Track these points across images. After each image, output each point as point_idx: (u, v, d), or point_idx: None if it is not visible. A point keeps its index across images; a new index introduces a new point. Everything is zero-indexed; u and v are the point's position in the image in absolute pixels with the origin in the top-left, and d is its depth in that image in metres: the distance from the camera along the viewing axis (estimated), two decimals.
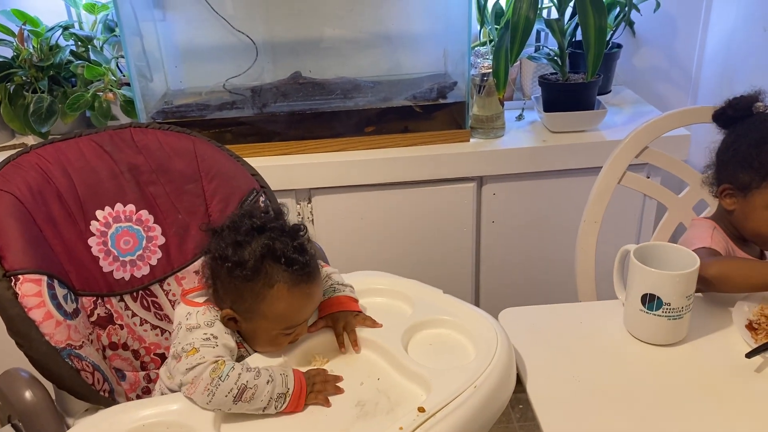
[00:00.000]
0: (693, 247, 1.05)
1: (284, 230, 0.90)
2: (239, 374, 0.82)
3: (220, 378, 0.82)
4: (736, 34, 1.83)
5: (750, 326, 0.96)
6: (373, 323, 0.95)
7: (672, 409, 0.85)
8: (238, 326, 0.92)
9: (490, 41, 1.79)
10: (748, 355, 0.89)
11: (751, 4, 1.76)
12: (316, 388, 0.85)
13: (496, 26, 1.77)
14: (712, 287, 1.01)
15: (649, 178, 1.51)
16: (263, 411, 0.83)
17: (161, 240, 1.10)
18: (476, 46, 1.82)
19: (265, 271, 0.87)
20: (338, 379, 0.88)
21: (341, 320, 0.94)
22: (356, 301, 0.98)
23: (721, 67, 1.90)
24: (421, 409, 0.80)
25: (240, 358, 0.92)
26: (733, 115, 1.13)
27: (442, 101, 1.71)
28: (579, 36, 1.64)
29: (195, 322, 0.90)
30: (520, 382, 0.90)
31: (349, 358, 0.93)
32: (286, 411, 0.83)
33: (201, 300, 0.94)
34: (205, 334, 0.88)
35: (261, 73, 1.76)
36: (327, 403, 0.84)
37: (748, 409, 0.84)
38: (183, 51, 1.81)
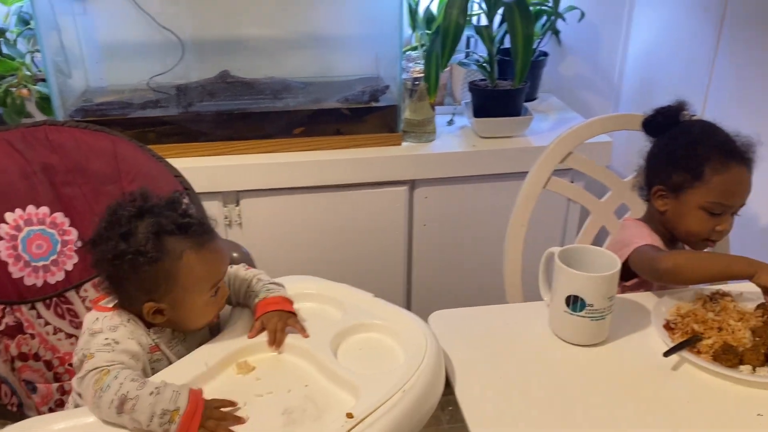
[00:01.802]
0: (634, 245, 1.09)
1: (161, 206, 0.89)
2: (121, 383, 0.78)
3: (101, 389, 0.78)
4: (655, 44, 1.91)
5: (667, 326, 0.99)
6: (301, 330, 0.93)
7: (595, 407, 0.87)
8: (164, 316, 0.89)
9: (422, 46, 1.80)
10: (666, 354, 0.93)
11: (669, 16, 1.84)
12: (209, 425, 0.77)
13: (427, 31, 1.78)
14: (667, 280, 1.05)
15: (573, 182, 1.55)
16: (148, 428, 0.76)
17: (77, 244, 1.05)
18: (408, 50, 1.83)
19: (166, 247, 0.85)
20: (239, 420, 0.79)
21: (275, 319, 0.92)
22: (290, 301, 0.96)
23: (641, 76, 1.99)
24: (349, 415, 0.78)
25: (157, 362, 0.89)
26: (662, 122, 1.19)
27: (374, 104, 1.71)
28: (507, 43, 1.67)
29: (99, 326, 0.86)
30: (449, 385, 0.91)
31: (276, 364, 0.90)
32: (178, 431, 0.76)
33: (111, 305, 0.90)
34: (106, 339, 0.84)
35: (187, 72, 1.71)
36: None
37: (665, 405, 0.87)
38: (105, 47, 1.74)
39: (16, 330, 0.99)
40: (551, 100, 2.01)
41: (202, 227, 0.89)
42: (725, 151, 1.11)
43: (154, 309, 0.88)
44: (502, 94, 1.74)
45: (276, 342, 0.91)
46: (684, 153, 1.13)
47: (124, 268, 0.86)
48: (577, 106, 2.01)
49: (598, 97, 2.09)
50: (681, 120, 1.18)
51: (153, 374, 0.89)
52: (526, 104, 1.80)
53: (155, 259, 0.85)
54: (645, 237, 1.12)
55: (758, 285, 0.99)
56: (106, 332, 0.85)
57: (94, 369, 0.80)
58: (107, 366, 0.80)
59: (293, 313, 0.94)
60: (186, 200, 0.93)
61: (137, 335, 0.88)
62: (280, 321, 0.92)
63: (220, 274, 0.91)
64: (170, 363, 0.90)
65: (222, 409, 0.80)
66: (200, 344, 0.94)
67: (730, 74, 1.61)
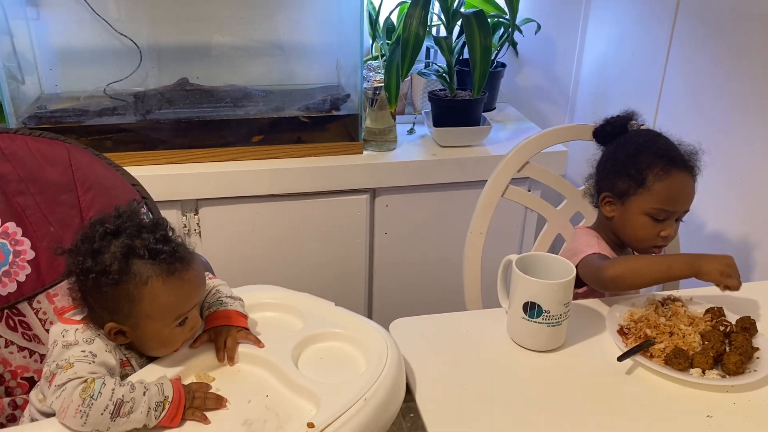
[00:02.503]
0: (582, 254, 1.12)
1: (142, 227, 0.86)
2: (113, 390, 0.77)
3: (92, 397, 0.76)
4: (608, 57, 1.97)
5: (621, 331, 1.02)
6: (256, 341, 0.92)
7: (553, 411, 0.89)
8: (127, 338, 0.87)
9: (382, 56, 1.82)
10: (620, 359, 0.95)
11: (620, 31, 1.90)
12: (196, 403, 0.82)
13: (387, 41, 1.80)
14: (612, 288, 1.08)
15: (530, 191, 1.59)
16: (142, 425, 0.78)
17: (30, 254, 1.02)
18: (368, 60, 1.84)
19: (132, 270, 0.83)
20: (220, 398, 0.84)
21: (224, 334, 0.91)
22: (245, 316, 0.95)
23: (595, 87, 2.04)
24: (310, 425, 0.78)
25: (124, 377, 0.87)
26: (611, 131, 1.23)
27: (335, 113, 1.71)
28: (466, 54, 1.70)
29: (73, 338, 0.84)
30: (410, 392, 0.91)
31: (236, 374, 0.90)
32: (163, 423, 0.79)
33: (78, 318, 0.88)
34: (83, 351, 0.83)
35: (145, 79, 1.69)
36: (205, 420, 0.81)
37: (620, 407, 0.89)
38: (59, 53, 1.70)
39: None
40: (509, 110, 2.04)
41: (175, 255, 0.85)
42: (667, 159, 1.15)
43: (115, 330, 0.86)
44: (461, 104, 1.76)
45: (223, 358, 0.90)
46: (628, 161, 1.18)
47: (88, 285, 0.84)
48: (534, 116, 2.05)
49: (553, 107, 2.14)
50: (629, 129, 1.22)
51: None
52: (485, 114, 1.83)
53: (118, 281, 0.83)
54: (593, 246, 1.16)
55: (708, 281, 1.03)
56: (81, 344, 0.84)
57: (77, 378, 0.78)
58: (91, 376, 0.79)
59: (245, 328, 0.93)
60: (171, 225, 0.90)
61: (110, 348, 0.86)
62: (229, 337, 0.91)
63: (187, 305, 0.87)
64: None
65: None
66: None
67: (680, 84, 1.67)
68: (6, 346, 1.00)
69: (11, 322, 1.00)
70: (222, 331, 0.91)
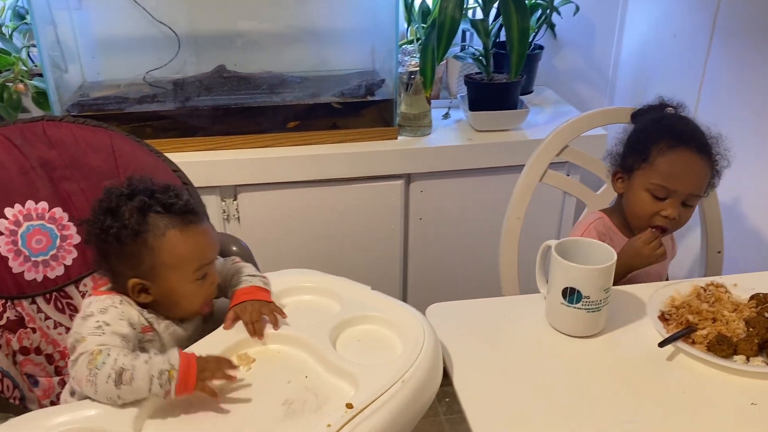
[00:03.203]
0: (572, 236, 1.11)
1: (154, 189, 0.91)
2: (115, 359, 0.80)
3: (96, 367, 0.79)
4: (649, 38, 1.92)
5: (662, 317, 1.00)
6: (280, 311, 0.93)
7: (591, 397, 0.88)
8: (151, 294, 0.90)
9: (417, 40, 1.81)
10: (661, 345, 0.94)
11: (662, 12, 1.85)
12: (205, 375, 0.81)
13: (422, 25, 1.78)
14: None
15: (569, 175, 1.56)
16: (150, 393, 0.79)
17: (77, 239, 1.05)
18: (404, 44, 1.83)
19: (150, 223, 0.87)
20: (233, 367, 0.84)
21: (249, 309, 0.93)
22: (267, 291, 0.96)
23: (635, 69, 2.00)
24: (349, 406, 0.79)
25: (149, 343, 0.90)
26: (649, 115, 1.20)
27: (370, 98, 1.71)
28: (503, 37, 1.68)
29: (90, 310, 0.88)
30: (446, 376, 0.92)
31: (276, 356, 0.91)
32: (178, 392, 0.79)
33: (105, 289, 0.92)
34: (97, 321, 0.86)
35: (183, 66, 1.71)
36: (214, 395, 0.81)
37: (660, 394, 0.88)
38: (100, 41, 1.73)
39: (18, 324, 0.99)
40: (546, 93, 2.01)
41: (188, 207, 0.90)
42: (674, 134, 1.12)
43: (139, 286, 0.89)
44: (498, 88, 1.74)
45: (255, 332, 0.91)
46: (638, 135, 1.16)
47: (109, 242, 0.88)
48: (573, 99, 2.01)
49: (592, 90, 2.10)
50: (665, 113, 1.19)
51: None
52: (522, 97, 1.81)
53: (137, 232, 0.87)
54: (578, 231, 1.16)
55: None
56: (96, 315, 0.87)
57: (86, 352, 0.81)
58: (99, 347, 0.81)
59: (269, 302, 0.95)
60: (180, 190, 0.94)
61: (128, 315, 0.89)
62: (254, 311, 0.92)
63: (205, 257, 0.92)
64: (162, 344, 0.91)
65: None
66: (196, 329, 0.95)
67: (724, 66, 1.62)
68: (55, 327, 1.03)
69: (59, 304, 1.04)
70: (247, 307, 0.93)
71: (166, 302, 0.91)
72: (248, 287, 0.96)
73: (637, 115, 1.25)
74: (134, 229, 0.87)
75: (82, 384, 0.80)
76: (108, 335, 0.84)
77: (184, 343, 0.94)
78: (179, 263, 0.89)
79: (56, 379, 1.03)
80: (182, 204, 0.90)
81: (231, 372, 0.83)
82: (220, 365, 0.83)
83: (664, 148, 1.11)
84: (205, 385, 0.81)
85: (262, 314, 0.92)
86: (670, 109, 1.20)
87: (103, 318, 0.86)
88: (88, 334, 0.84)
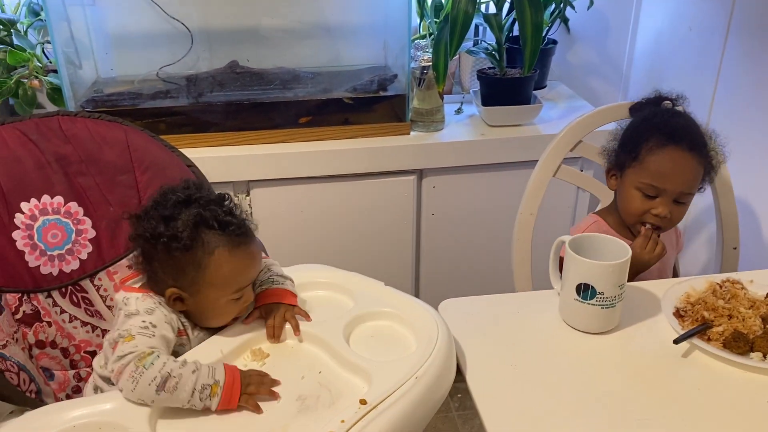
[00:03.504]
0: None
1: (210, 199, 0.90)
2: (164, 363, 0.80)
3: (144, 366, 0.79)
4: (663, 32, 1.90)
5: (677, 313, 1.00)
6: (306, 316, 0.94)
7: (606, 394, 0.87)
8: (185, 305, 0.90)
9: (430, 34, 1.80)
10: (676, 341, 0.93)
11: (677, 5, 1.83)
12: (250, 390, 0.81)
13: (435, 20, 1.78)
14: None
15: (582, 171, 1.56)
16: (189, 404, 0.79)
17: (92, 233, 1.06)
18: (416, 39, 1.82)
19: (201, 239, 0.87)
20: (275, 383, 0.84)
21: (274, 311, 0.93)
22: (294, 295, 0.97)
23: (649, 64, 1.98)
24: (362, 402, 0.79)
25: (180, 347, 0.90)
26: (643, 107, 1.20)
27: (382, 94, 1.71)
28: (516, 31, 1.67)
29: (134, 308, 0.88)
30: (459, 372, 0.91)
31: (290, 351, 0.91)
32: (220, 407, 0.79)
33: (138, 285, 0.92)
34: (144, 321, 0.86)
35: (196, 62, 1.71)
36: (258, 410, 0.80)
37: (676, 391, 0.88)
38: (114, 37, 1.74)
39: (34, 318, 1.00)
40: (560, 88, 2.00)
41: (241, 229, 0.89)
42: (664, 132, 1.10)
43: (176, 296, 0.89)
44: (511, 83, 1.73)
45: (274, 335, 0.91)
46: (629, 133, 1.15)
47: (157, 249, 0.88)
48: (586, 93, 2.00)
49: (606, 84, 2.08)
50: (662, 107, 1.18)
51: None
52: (535, 92, 1.80)
53: (188, 247, 0.86)
54: (576, 233, 1.13)
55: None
56: (143, 314, 0.87)
57: (135, 351, 0.81)
58: (150, 350, 0.82)
59: (295, 305, 0.95)
60: (235, 200, 0.94)
61: (170, 319, 0.89)
62: (278, 315, 0.92)
63: (247, 279, 0.91)
64: (191, 347, 0.91)
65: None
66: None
67: (740, 59, 1.60)
68: (70, 321, 1.04)
69: (75, 298, 1.04)
70: (273, 309, 0.93)
71: (197, 314, 0.92)
72: (278, 289, 0.96)
73: (635, 109, 1.24)
74: (186, 243, 0.86)
75: (122, 377, 0.79)
76: (157, 338, 0.85)
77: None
78: (221, 283, 0.88)
79: (72, 372, 1.04)
80: (237, 223, 0.89)
81: (275, 389, 0.83)
82: (263, 381, 0.83)
83: (653, 146, 1.10)
84: (249, 398, 0.81)
85: (285, 319, 0.93)
86: (667, 102, 1.18)
87: (150, 319, 0.86)
88: (137, 333, 0.83)
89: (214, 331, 0.93)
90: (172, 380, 0.78)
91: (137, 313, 0.87)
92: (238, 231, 0.88)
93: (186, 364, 0.81)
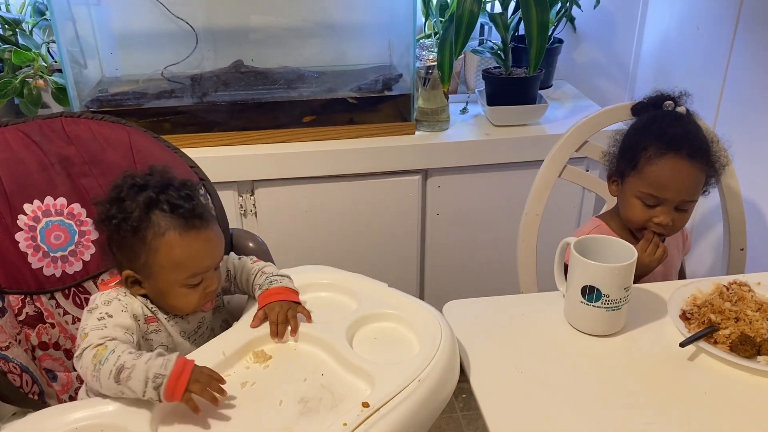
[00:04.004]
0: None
1: (169, 184, 0.89)
2: (119, 356, 0.80)
3: (101, 362, 0.79)
4: (671, 31, 1.88)
5: (684, 316, 0.99)
6: (307, 315, 0.93)
7: (610, 397, 0.87)
8: (144, 289, 0.91)
9: (435, 34, 1.79)
10: (682, 344, 0.92)
11: (685, 4, 1.81)
12: (193, 388, 0.78)
13: (440, 19, 1.77)
14: None
15: (588, 171, 1.55)
16: (144, 395, 0.78)
17: (95, 235, 1.06)
18: (421, 38, 1.82)
19: (151, 220, 0.87)
20: (222, 392, 0.80)
21: (276, 310, 0.93)
22: (295, 292, 0.96)
23: (656, 63, 1.96)
24: (365, 405, 0.79)
25: (154, 333, 0.91)
26: (645, 109, 1.18)
27: (387, 93, 1.70)
28: (522, 30, 1.66)
29: (95, 303, 0.89)
30: (463, 373, 0.91)
31: (292, 353, 0.91)
32: (166, 398, 0.78)
33: (113, 284, 0.92)
34: (100, 314, 0.86)
35: (201, 61, 1.71)
36: (196, 411, 0.78)
37: (682, 395, 0.87)
38: (119, 37, 1.74)
39: (37, 319, 1.00)
40: (566, 88, 1.99)
41: (194, 212, 0.88)
42: (663, 142, 1.08)
43: (132, 278, 0.90)
44: (517, 82, 1.72)
45: (278, 333, 0.91)
46: (629, 140, 1.14)
47: (111, 231, 0.89)
48: (592, 93, 1.99)
49: (613, 84, 2.07)
50: (663, 108, 1.16)
51: (149, 345, 0.92)
52: (541, 92, 1.79)
53: (136, 229, 0.87)
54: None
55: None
56: (100, 307, 0.88)
57: (89, 346, 0.82)
58: (102, 342, 0.82)
59: (297, 303, 0.94)
60: (201, 190, 0.94)
61: (131, 307, 0.90)
62: (281, 312, 0.92)
63: (200, 265, 0.90)
64: (168, 334, 0.92)
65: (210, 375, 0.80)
66: (203, 320, 0.95)
67: (748, 59, 1.59)
68: (73, 323, 1.04)
69: (78, 299, 1.04)
70: (275, 307, 0.93)
71: (157, 298, 0.92)
72: (278, 288, 0.95)
73: (636, 110, 1.23)
74: (134, 224, 0.87)
75: (87, 379, 0.80)
76: (110, 327, 0.85)
77: (191, 335, 0.95)
78: (172, 266, 0.88)
79: (75, 374, 1.04)
80: (189, 207, 0.88)
81: (218, 395, 0.79)
82: (211, 383, 0.79)
83: (652, 155, 1.08)
84: (189, 398, 0.78)
85: (288, 317, 0.92)
86: (669, 102, 1.17)
87: (106, 309, 0.87)
88: (90, 329, 0.84)
89: (191, 320, 0.93)
90: (125, 371, 0.78)
91: (96, 307, 0.88)
92: (190, 214, 0.88)
93: (142, 355, 0.80)
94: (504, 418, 0.83)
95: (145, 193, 0.88)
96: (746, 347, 0.91)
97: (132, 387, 0.78)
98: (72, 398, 1.02)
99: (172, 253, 0.87)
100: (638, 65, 2.04)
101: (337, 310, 0.97)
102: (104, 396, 0.81)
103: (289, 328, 0.92)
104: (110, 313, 0.87)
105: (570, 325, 0.99)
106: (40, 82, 1.61)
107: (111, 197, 0.89)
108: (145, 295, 0.92)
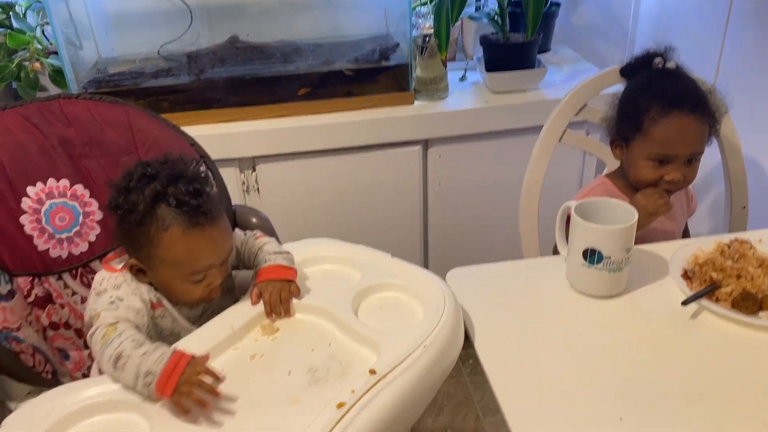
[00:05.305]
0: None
1: (180, 176, 0.89)
2: (121, 342, 0.81)
3: (105, 344, 0.81)
4: None
5: (685, 275, 0.99)
6: (296, 292, 0.93)
7: (615, 357, 0.88)
8: (148, 278, 0.92)
9: (431, 1, 1.77)
10: (684, 303, 0.93)
11: None
12: (183, 389, 0.76)
13: None
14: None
15: (588, 135, 1.54)
16: (134, 388, 0.78)
17: (99, 215, 1.07)
18: (417, 6, 1.80)
19: (155, 214, 0.86)
20: (215, 393, 0.77)
21: (269, 289, 0.93)
22: (289, 268, 0.96)
23: (655, 22, 1.94)
24: (372, 372, 0.80)
25: (161, 318, 0.92)
26: (637, 70, 1.17)
27: (384, 63, 1.69)
28: None
29: (103, 286, 0.90)
30: (468, 339, 0.92)
31: (300, 325, 0.92)
32: (157, 395, 0.77)
33: (119, 266, 0.93)
34: (111, 297, 0.88)
35: (197, 38, 1.70)
36: (182, 412, 0.76)
37: (685, 353, 0.88)
38: (113, 16, 1.73)
39: (46, 300, 1.02)
40: (564, 52, 1.97)
41: (200, 209, 0.87)
42: (664, 100, 1.08)
43: (137, 267, 0.91)
44: (515, 48, 1.71)
45: (271, 313, 0.91)
46: (628, 103, 1.14)
47: (117, 219, 0.89)
48: (591, 56, 1.97)
49: (612, 46, 2.05)
50: (653, 66, 1.16)
51: (157, 330, 0.93)
52: (539, 56, 1.78)
53: (140, 222, 0.87)
54: (579, 197, 1.12)
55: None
56: (110, 291, 0.89)
57: (101, 325, 0.83)
58: (115, 321, 0.83)
59: (291, 281, 0.94)
60: (210, 181, 0.93)
61: (140, 292, 0.91)
62: (274, 291, 0.92)
63: (202, 263, 0.89)
64: (174, 318, 0.93)
65: (204, 378, 0.77)
66: (205, 308, 0.96)
67: (748, 15, 1.57)
68: (82, 302, 1.05)
69: (85, 279, 1.06)
70: (267, 287, 0.93)
71: (161, 289, 0.93)
72: (271, 266, 0.96)
73: (625, 71, 1.22)
74: (139, 218, 0.87)
75: (97, 357, 0.82)
76: (122, 309, 0.86)
77: (196, 320, 0.96)
78: (174, 262, 0.88)
79: (86, 352, 1.06)
80: (195, 204, 0.87)
81: (209, 397, 0.76)
82: (201, 385, 0.76)
83: (655, 116, 1.08)
84: (179, 400, 0.76)
85: (283, 297, 0.92)
86: (658, 59, 1.16)
87: (117, 293, 0.88)
88: (102, 309, 0.86)
89: (200, 306, 0.95)
90: (121, 360, 0.79)
91: (105, 290, 0.89)
92: (195, 212, 0.86)
93: (142, 345, 0.80)
94: (509, 381, 0.84)
95: (153, 184, 0.87)
96: (748, 304, 0.92)
97: (125, 376, 0.78)
98: (85, 376, 1.04)
99: (173, 249, 0.87)
100: (637, 26, 2.01)
101: (342, 282, 0.98)
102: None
103: (296, 301, 0.93)
104: (120, 296, 0.88)
105: (573, 288, 1.00)
106: (37, 65, 1.61)
107: (120, 185, 0.89)
108: (150, 283, 0.93)
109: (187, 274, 0.89)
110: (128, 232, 0.89)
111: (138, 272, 0.91)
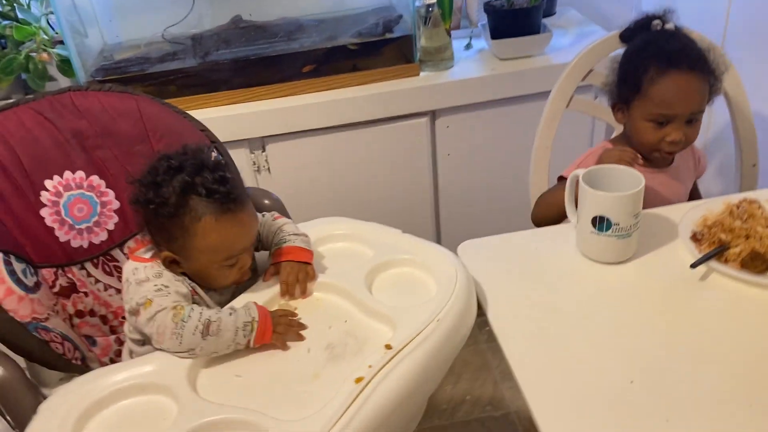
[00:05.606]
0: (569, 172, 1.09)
1: (203, 165, 0.91)
2: (200, 312, 0.85)
3: (183, 320, 0.84)
4: None
5: (694, 237, 1.00)
6: (313, 274, 0.96)
7: (627, 321, 0.89)
8: (182, 268, 0.94)
9: None
10: (693, 265, 0.94)
11: None
12: (279, 329, 0.87)
13: None
14: (541, 221, 1.16)
15: (596, 99, 1.54)
16: (234, 343, 0.85)
17: (116, 204, 1.09)
18: None
19: (188, 205, 0.89)
20: (302, 326, 0.89)
21: (287, 270, 0.95)
22: (306, 250, 0.98)
23: None
24: (388, 347, 0.83)
25: (195, 305, 0.94)
26: (634, 33, 1.17)
27: (388, 36, 1.68)
28: None
29: (144, 275, 0.91)
30: (481, 309, 0.94)
31: (316, 302, 0.95)
32: (257, 342, 0.85)
33: (148, 255, 0.95)
34: (156, 285, 0.90)
35: (200, 20, 1.70)
36: (285, 347, 0.87)
37: (695, 315, 0.89)
38: (116, 2, 1.73)
39: (71, 290, 1.05)
40: (570, 14, 1.95)
41: (230, 195, 0.89)
42: (661, 60, 1.08)
43: (170, 259, 0.93)
44: (519, 13, 1.69)
45: (287, 293, 0.94)
46: (626, 65, 1.14)
47: (148, 213, 0.91)
48: (598, 18, 1.94)
49: (619, 6, 2.01)
50: (651, 29, 1.15)
51: None
52: (545, 20, 1.76)
53: (173, 214, 0.89)
54: (574, 167, 1.13)
55: None
56: (153, 280, 0.90)
57: (163, 309, 0.85)
58: (176, 304, 0.86)
59: (308, 263, 0.96)
60: (229, 166, 0.95)
61: (179, 278, 0.93)
62: (291, 273, 0.95)
63: (237, 246, 0.92)
64: (207, 305, 0.95)
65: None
66: (233, 293, 0.98)
67: None
68: (105, 290, 1.08)
69: (107, 267, 1.09)
70: (285, 267, 0.96)
71: (196, 277, 0.95)
72: (289, 247, 0.98)
73: (625, 36, 1.21)
74: (173, 210, 0.88)
75: (164, 337, 0.84)
76: (173, 294, 0.89)
77: (224, 305, 0.98)
78: (209, 249, 0.90)
79: (113, 337, 1.10)
80: (225, 191, 0.89)
81: (301, 332, 0.88)
82: (291, 323, 0.88)
83: (654, 75, 1.08)
84: (279, 337, 0.86)
85: (299, 279, 0.95)
86: (657, 21, 1.15)
87: (161, 281, 0.90)
88: (153, 296, 0.88)
89: (229, 291, 0.97)
90: (213, 325, 0.83)
91: (147, 279, 0.91)
92: (225, 198, 0.89)
93: (221, 310, 0.86)
94: (523, 350, 0.86)
95: (180, 176, 0.89)
96: (756, 263, 0.93)
97: (222, 338, 0.84)
98: (113, 360, 1.08)
99: (208, 238, 0.89)
100: None
101: (355, 259, 1.00)
102: (175, 352, 0.85)
103: (299, 289, 0.95)
104: (165, 284, 0.90)
105: (583, 255, 1.02)
106: (44, 55, 1.62)
107: (147, 180, 0.91)
108: (183, 273, 0.95)
109: (222, 260, 0.92)
110: (162, 225, 0.90)
111: (171, 263, 0.93)
